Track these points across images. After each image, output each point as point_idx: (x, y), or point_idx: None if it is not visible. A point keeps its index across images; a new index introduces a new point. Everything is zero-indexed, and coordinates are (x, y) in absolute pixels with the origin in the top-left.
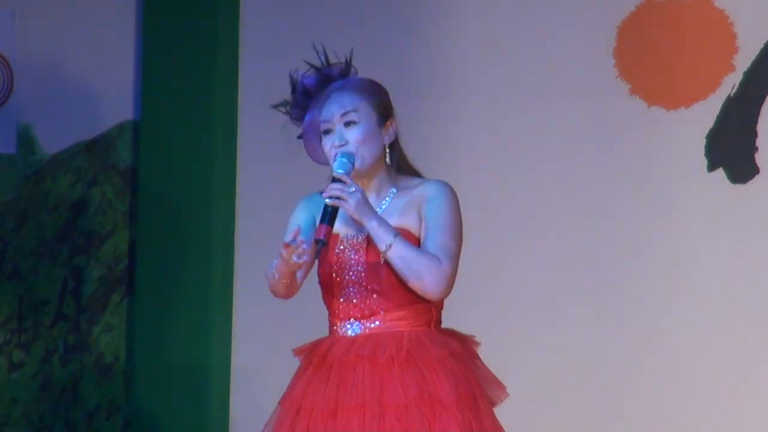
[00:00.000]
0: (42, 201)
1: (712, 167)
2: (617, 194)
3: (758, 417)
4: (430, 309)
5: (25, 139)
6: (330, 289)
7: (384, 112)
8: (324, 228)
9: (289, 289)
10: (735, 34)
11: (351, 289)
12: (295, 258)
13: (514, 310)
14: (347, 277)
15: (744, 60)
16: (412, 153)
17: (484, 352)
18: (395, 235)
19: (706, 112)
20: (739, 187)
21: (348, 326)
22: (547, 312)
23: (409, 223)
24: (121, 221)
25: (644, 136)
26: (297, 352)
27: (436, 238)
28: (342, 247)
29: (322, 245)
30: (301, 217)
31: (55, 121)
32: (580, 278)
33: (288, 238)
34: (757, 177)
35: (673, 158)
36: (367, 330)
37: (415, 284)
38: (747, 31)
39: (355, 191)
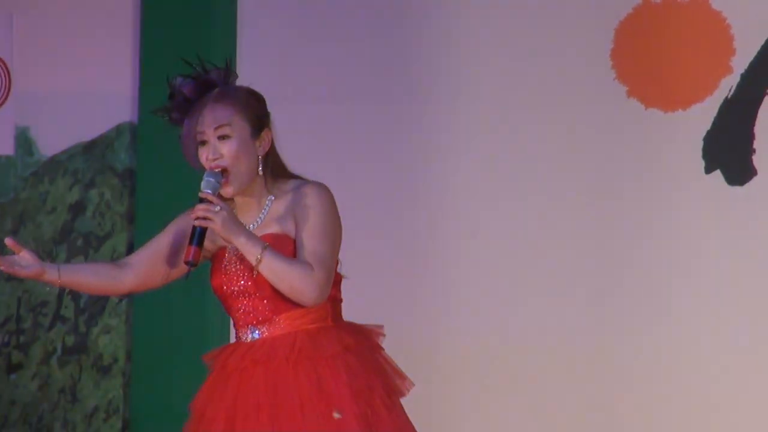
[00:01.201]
0: (40, 203)
1: (709, 169)
2: (614, 196)
3: (756, 418)
4: (324, 305)
5: (23, 141)
6: (225, 300)
7: (258, 123)
8: (193, 249)
9: (97, 289)
10: (732, 36)
11: (242, 298)
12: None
13: (511, 311)
14: (236, 288)
15: (741, 62)
16: (407, 155)
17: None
18: (264, 248)
19: (704, 115)
20: (736, 189)
21: (248, 333)
22: (544, 314)
23: (288, 229)
24: (119, 223)
25: (642, 139)
26: (205, 358)
27: (308, 245)
28: (227, 260)
29: (192, 266)
30: (173, 228)
31: (53, 123)
32: (577, 280)
33: None
34: (754, 179)
35: (670, 160)
36: (264, 334)
37: (289, 293)
38: (744, 33)
39: (220, 210)
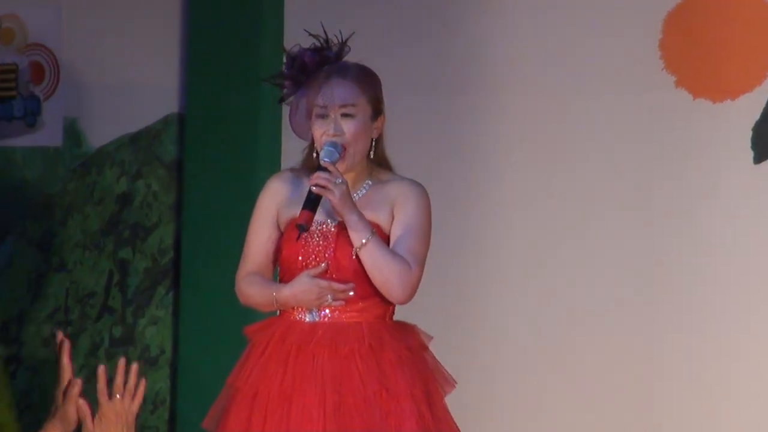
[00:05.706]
0: (87, 194)
1: (758, 159)
2: (663, 187)
3: None
4: (388, 301)
5: (71, 133)
6: (292, 272)
7: (377, 106)
8: (306, 214)
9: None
10: None
11: None
12: (330, 299)
13: (554, 303)
14: (312, 264)
15: None
16: (452, 147)
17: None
18: (372, 233)
19: (753, 104)
20: None
21: (306, 312)
22: (590, 302)
23: (381, 219)
24: (167, 214)
25: (690, 129)
26: (248, 331)
27: (408, 242)
28: (308, 232)
29: (303, 230)
30: (276, 201)
31: (101, 115)
32: (623, 271)
33: (336, 286)
34: None
35: (719, 151)
36: (324, 318)
37: (381, 285)
38: None
39: (341, 183)
